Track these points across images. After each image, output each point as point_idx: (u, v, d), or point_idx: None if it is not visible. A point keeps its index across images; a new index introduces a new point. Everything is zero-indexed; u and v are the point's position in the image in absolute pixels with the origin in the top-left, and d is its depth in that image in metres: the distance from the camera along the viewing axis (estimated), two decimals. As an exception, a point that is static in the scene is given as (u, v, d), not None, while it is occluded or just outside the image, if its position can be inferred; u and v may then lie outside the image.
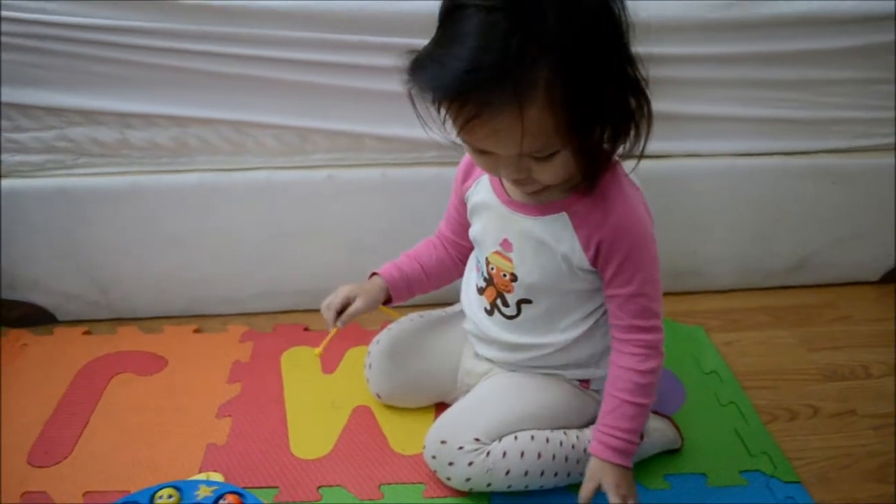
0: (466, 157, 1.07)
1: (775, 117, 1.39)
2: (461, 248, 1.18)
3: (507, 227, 1.01)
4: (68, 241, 1.40)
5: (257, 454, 1.15)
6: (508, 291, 1.04)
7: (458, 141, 0.87)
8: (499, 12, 0.75)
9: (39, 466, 1.13)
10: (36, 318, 1.47)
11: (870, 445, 1.17)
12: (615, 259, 0.94)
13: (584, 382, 1.10)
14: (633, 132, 0.87)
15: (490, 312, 1.08)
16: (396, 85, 1.30)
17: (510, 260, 1.01)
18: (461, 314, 1.19)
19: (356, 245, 1.44)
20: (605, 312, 1.03)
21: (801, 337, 1.44)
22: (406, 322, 1.26)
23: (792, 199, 1.48)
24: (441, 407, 1.20)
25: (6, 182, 1.33)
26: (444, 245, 1.20)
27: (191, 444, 1.17)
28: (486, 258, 1.05)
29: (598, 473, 0.97)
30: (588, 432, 1.07)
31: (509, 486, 1.04)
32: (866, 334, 1.44)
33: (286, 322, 1.48)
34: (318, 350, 1.17)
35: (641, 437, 1.09)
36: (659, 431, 1.12)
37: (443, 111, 0.84)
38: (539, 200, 0.97)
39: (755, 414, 1.22)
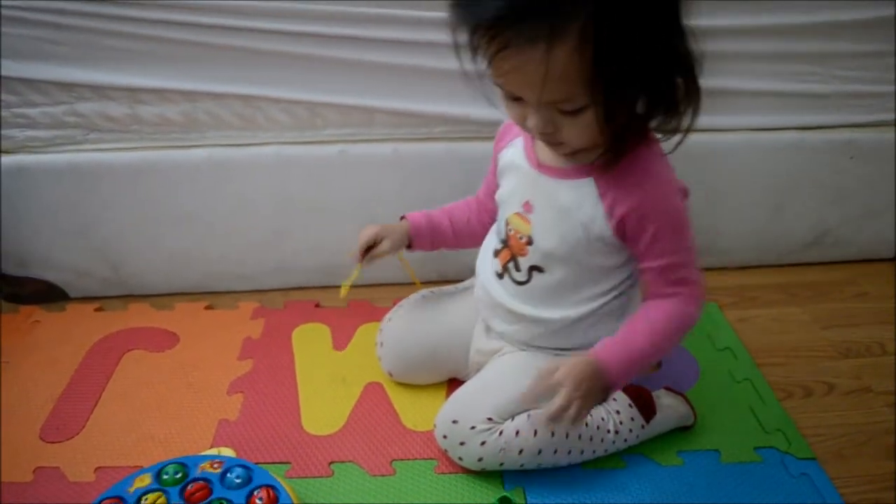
0: (506, 121, 1.07)
1: (792, 91, 1.37)
2: (492, 213, 1.15)
3: (530, 189, 1.00)
4: (79, 218, 1.40)
5: (269, 430, 1.15)
6: (522, 255, 1.02)
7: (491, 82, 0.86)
8: None
9: (51, 442, 1.14)
10: (48, 294, 1.48)
11: (885, 422, 1.16)
12: (647, 231, 0.93)
13: None
14: (672, 109, 0.86)
15: (500, 276, 1.07)
16: (407, 58, 1.30)
17: (529, 222, 1.00)
18: (471, 292, 1.18)
19: (368, 220, 1.41)
20: (617, 296, 1.03)
21: (816, 314, 1.43)
22: (417, 299, 1.25)
23: (808, 174, 1.46)
24: (453, 383, 1.20)
25: (16, 158, 1.33)
26: (477, 207, 1.19)
27: (202, 420, 1.17)
28: (507, 219, 1.04)
29: (567, 364, 0.90)
30: (601, 410, 1.07)
31: (522, 465, 1.03)
32: (882, 311, 1.43)
33: (297, 298, 1.47)
34: (343, 288, 1.17)
35: (652, 414, 1.09)
36: (671, 408, 1.12)
37: (477, 47, 0.83)
38: (568, 164, 0.96)
39: (770, 391, 1.21)
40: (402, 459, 1.10)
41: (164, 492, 0.96)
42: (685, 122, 0.87)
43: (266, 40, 1.24)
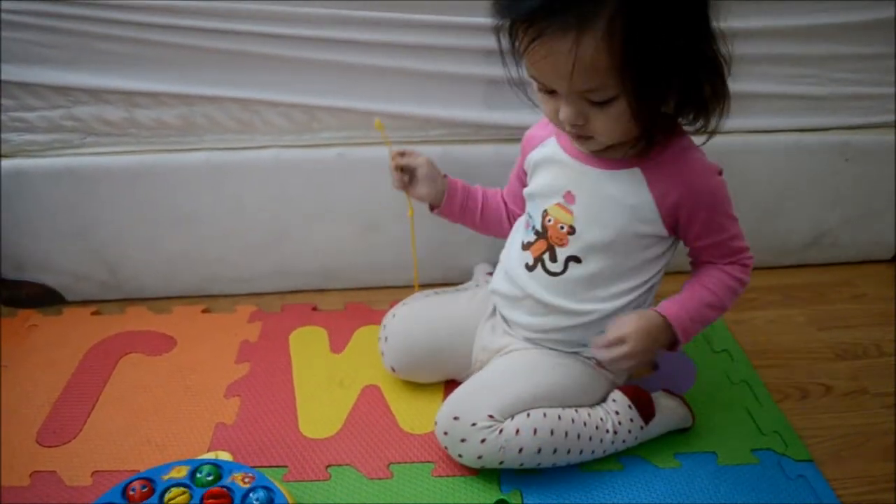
0: (531, 128, 1.11)
1: (790, 93, 1.37)
2: (513, 213, 1.21)
3: (573, 180, 1.02)
4: (76, 221, 1.40)
5: (266, 434, 1.15)
6: (562, 245, 1.03)
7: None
8: None
9: (48, 446, 1.14)
10: (44, 298, 1.48)
11: (882, 424, 1.16)
12: (700, 214, 0.97)
13: (600, 363, 1.08)
14: (701, 107, 0.90)
15: (531, 268, 1.07)
16: (404, 62, 1.30)
17: (571, 212, 1.01)
18: (474, 291, 1.20)
19: (366, 224, 1.43)
20: (646, 292, 1.05)
21: (813, 315, 1.42)
22: (420, 297, 1.25)
23: (806, 176, 1.46)
24: (450, 386, 1.19)
25: (14, 161, 1.33)
26: (503, 200, 1.22)
27: (199, 423, 1.17)
28: (545, 210, 1.04)
29: (634, 318, 1.00)
30: (600, 410, 1.08)
31: (521, 464, 1.03)
32: (879, 313, 1.43)
33: (295, 302, 1.47)
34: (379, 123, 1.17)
35: (651, 415, 1.09)
36: (670, 409, 1.12)
37: (514, 41, 0.88)
38: (607, 156, 0.98)
39: (767, 393, 1.21)
40: (399, 462, 1.09)
41: (190, 489, 0.97)
42: (713, 122, 0.92)
43: (263, 44, 1.24)
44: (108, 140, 1.33)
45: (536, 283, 1.07)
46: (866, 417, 1.17)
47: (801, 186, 1.48)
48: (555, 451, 1.03)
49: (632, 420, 1.08)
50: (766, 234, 1.53)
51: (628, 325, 0.98)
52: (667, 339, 1.00)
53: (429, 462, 1.09)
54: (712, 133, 0.94)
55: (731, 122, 1.38)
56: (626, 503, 1.02)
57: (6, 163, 1.33)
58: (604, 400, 1.11)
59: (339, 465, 1.09)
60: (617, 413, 1.08)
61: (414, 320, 1.21)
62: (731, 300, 1.03)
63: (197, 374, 1.28)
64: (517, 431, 1.01)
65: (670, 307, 1.00)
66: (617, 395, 1.10)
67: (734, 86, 1.34)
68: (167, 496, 0.96)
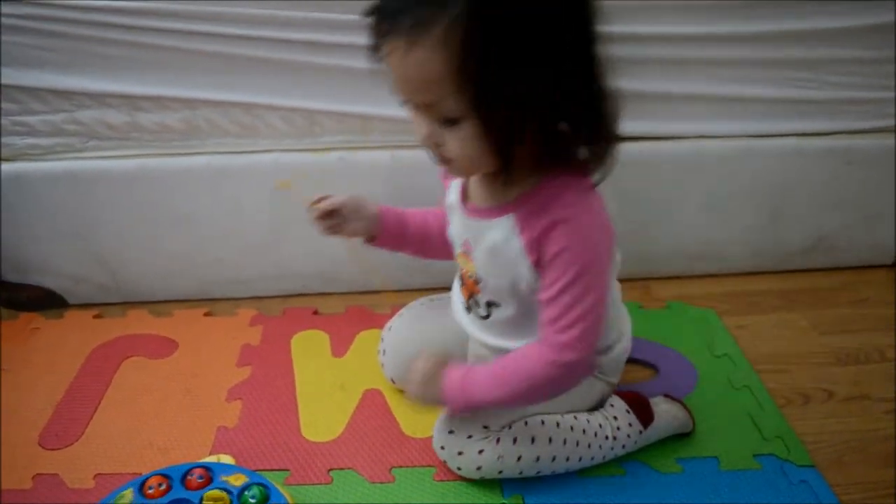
0: None
1: (789, 97, 1.37)
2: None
3: (469, 229, 0.98)
4: (78, 225, 1.40)
5: (268, 437, 1.15)
6: (476, 293, 1.02)
7: None
8: None
9: (51, 449, 1.14)
10: (46, 301, 1.48)
11: (884, 429, 1.16)
12: (554, 263, 0.87)
13: None
14: (572, 127, 0.82)
15: (468, 310, 1.07)
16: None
17: (472, 261, 0.99)
18: None
19: (366, 228, 1.43)
20: None
21: (815, 320, 1.42)
22: (416, 306, 1.25)
23: (806, 180, 1.46)
24: (452, 390, 1.19)
25: (16, 165, 1.33)
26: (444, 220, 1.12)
27: (201, 427, 1.17)
28: (457, 258, 1.03)
29: (430, 359, 0.96)
30: (598, 416, 1.07)
31: (521, 473, 1.03)
32: (880, 318, 1.42)
33: (296, 305, 1.47)
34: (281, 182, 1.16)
35: (650, 420, 1.09)
36: (669, 413, 1.11)
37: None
38: (492, 202, 0.93)
39: (769, 397, 1.21)
40: (401, 466, 1.09)
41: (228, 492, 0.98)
42: (597, 151, 0.84)
43: (265, 48, 1.25)
44: (110, 144, 1.34)
45: (473, 326, 1.07)
46: (868, 423, 1.17)
47: (801, 191, 1.48)
48: (553, 458, 1.03)
49: (630, 425, 1.08)
50: (767, 239, 1.53)
51: (419, 361, 0.97)
52: (441, 393, 0.95)
53: (430, 466, 1.09)
54: (600, 165, 0.85)
55: (730, 126, 1.40)
56: (627, 508, 1.02)
57: (8, 166, 1.33)
58: (601, 405, 1.11)
59: (341, 468, 1.09)
60: (615, 418, 1.08)
61: (409, 332, 1.21)
62: (525, 387, 0.92)
63: (198, 378, 1.28)
64: (515, 440, 1.01)
65: (463, 366, 0.97)
66: (615, 399, 1.10)
67: (734, 89, 1.36)
68: None
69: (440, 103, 0.78)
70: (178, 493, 0.97)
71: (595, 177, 0.87)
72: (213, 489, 0.97)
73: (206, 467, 1.01)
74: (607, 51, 0.79)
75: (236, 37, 1.23)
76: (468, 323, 1.08)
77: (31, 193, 1.36)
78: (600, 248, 0.89)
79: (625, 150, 1.42)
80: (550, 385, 0.94)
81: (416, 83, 0.78)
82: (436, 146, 0.84)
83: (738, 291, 1.51)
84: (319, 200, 1.06)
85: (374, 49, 0.79)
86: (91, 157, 1.34)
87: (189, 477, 0.99)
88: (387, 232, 1.10)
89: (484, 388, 0.94)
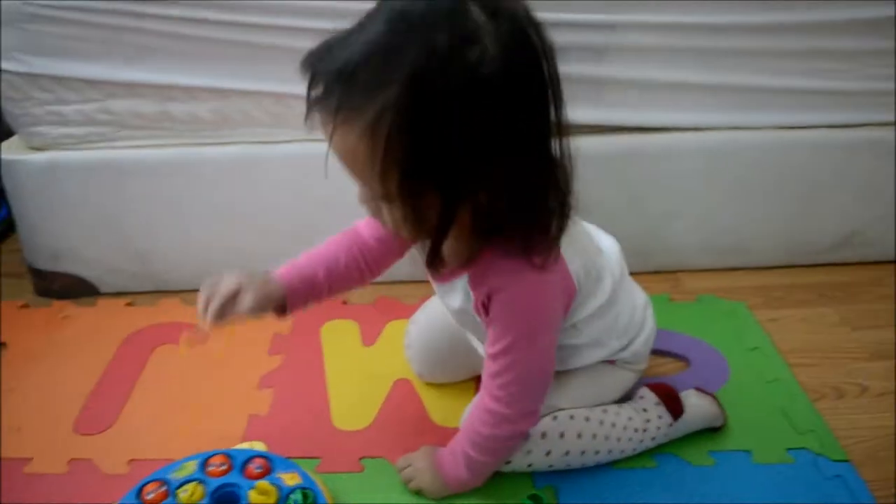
0: None
1: (819, 89, 1.36)
2: (375, 253, 1.07)
3: (437, 288, 1.01)
4: (110, 214, 1.41)
5: (299, 425, 1.15)
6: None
7: None
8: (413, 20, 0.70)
9: (85, 434, 1.15)
10: (78, 289, 1.49)
11: (919, 425, 1.15)
12: (491, 315, 0.88)
13: (610, 361, 1.07)
14: (506, 206, 0.78)
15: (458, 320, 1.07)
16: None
17: (451, 315, 1.04)
18: None
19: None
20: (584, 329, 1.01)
21: (846, 314, 1.41)
22: (437, 301, 1.24)
23: (836, 173, 1.45)
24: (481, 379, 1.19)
25: (49, 154, 1.35)
26: (358, 248, 1.08)
27: (233, 414, 1.18)
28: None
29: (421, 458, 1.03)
30: (628, 409, 1.07)
31: (551, 466, 1.03)
32: (913, 312, 1.41)
33: (325, 295, 1.48)
34: (183, 345, 1.20)
35: (680, 412, 1.08)
36: (699, 407, 1.10)
37: None
38: (451, 265, 0.89)
39: (801, 391, 1.20)
40: (432, 455, 1.10)
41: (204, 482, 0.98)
42: (540, 223, 0.81)
43: (297, 38, 1.24)
44: (141, 133, 1.35)
45: (470, 333, 1.10)
46: (902, 418, 1.16)
47: (832, 183, 1.46)
48: (583, 452, 1.03)
49: (660, 417, 1.07)
50: (798, 232, 1.52)
51: (417, 457, 1.03)
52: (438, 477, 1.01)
53: (461, 455, 1.09)
54: (550, 247, 0.83)
55: (759, 118, 1.39)
56: (660, 501, 1.02)
57: (42, 156, 1.34)
58: (630, 396, 1.11)
59: (372, 457, 1.09)
60: (645, 410, 1.07)
61: (432, 327, 1.21)
62: (486, 436, 0.95)
63: (230, 366, 1.28)
64: (543, 435, 1.01)
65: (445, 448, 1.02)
66: (645, 391, 1.10)
67: (765, 80, 1.35)
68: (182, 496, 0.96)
69: (368, 183, 0.77)
70: (235, 477, 0.98)
71: (548, 238, 0.83)
72: (265, 481, 0.97)
73: (268, 458, 1.01)
74: (553, 132, 0.76)
75: (267, 26, 1.24)
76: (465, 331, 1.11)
77: (64, 182, 1.37)
78: (538, 314, 0.89)
79: (655, 140, 1.42)
80: (493, 435, 0.95)
81: (342, 159, 0.76)
82: (375, 214, 0.83)
83: (768, 285, 1.50)
84: (207, 300, 0.97)
85: (306, 105, 0.76)
86: (123, 147, 1.36)
87: (249, 465, 1.00)
88: (294, 296, 1.04)
89: (465, 459, 0.99)
